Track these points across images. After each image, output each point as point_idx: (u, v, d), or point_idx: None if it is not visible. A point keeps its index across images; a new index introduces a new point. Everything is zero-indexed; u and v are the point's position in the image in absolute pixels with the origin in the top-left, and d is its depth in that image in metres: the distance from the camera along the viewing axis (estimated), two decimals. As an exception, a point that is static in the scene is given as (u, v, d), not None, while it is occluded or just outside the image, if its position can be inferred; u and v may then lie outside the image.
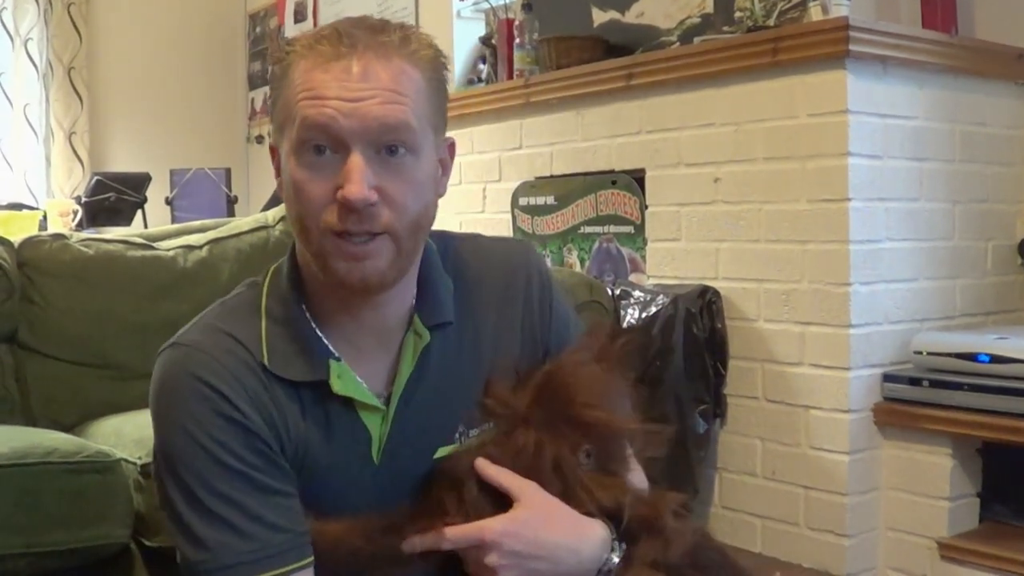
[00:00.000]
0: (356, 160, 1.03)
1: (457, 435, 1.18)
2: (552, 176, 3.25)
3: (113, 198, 4.38)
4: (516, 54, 3.41)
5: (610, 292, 2.68)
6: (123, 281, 2.11)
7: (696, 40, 2.89)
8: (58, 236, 2.14)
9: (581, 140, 3.13)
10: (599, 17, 3.49)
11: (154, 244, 2.22)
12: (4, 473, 1.51)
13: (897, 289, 2.52)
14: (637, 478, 1.25)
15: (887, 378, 2.46)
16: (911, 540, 2.43)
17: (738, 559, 1.27)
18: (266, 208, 3.43)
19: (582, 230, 3.16)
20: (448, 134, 1.18)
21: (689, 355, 2.62)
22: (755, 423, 2.64)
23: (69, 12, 5.41)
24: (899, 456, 2.46)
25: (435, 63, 1.11)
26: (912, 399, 2.42)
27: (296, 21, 5.57)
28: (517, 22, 3.47)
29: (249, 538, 1.05)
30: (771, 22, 2.74)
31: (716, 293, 2.68)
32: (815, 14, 2.52)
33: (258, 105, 6.01)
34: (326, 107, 1.03)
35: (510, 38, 3.50)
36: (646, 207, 2.92)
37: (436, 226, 1.18)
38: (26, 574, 1.53)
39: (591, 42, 3.33)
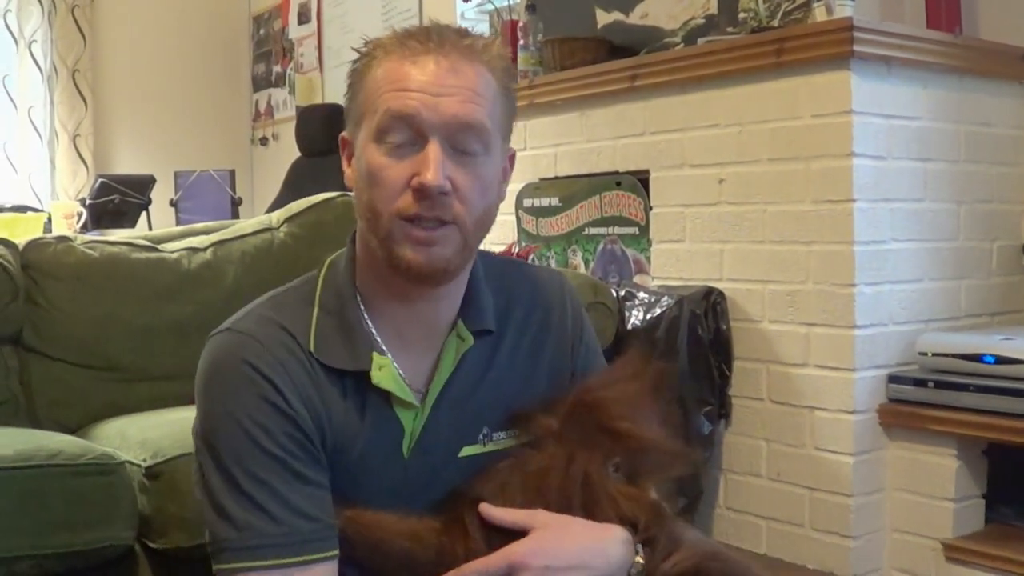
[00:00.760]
0: (434, 149, 1.08)
1: (481, 436, 1.21)
2: (556, 177, 3.25)
3: (117, 200, 4.39)
4: (520, 55, 3.41)
5: (615, 293, 2.68)
6: (127, 283, 2.11)
7: (700, 41, 2.88)
8: (62, 238, 2.14)
9: (585, 141, 3.13)
10: (603, 18, 3.49)
11: (158, 246, 2.23)
12: (9, 475, 1.51)
13: (902, 290, 2.51)
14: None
15: (892, 379, 2.46)
16: (916, 541, 2.43)
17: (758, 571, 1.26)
18: (271, 210, 3.43)
19: (586, 231, 3.16)
20: None
21: (694, 356, 2.62)
22: (760, 424, 2.64)
23: (73, 14, 5.42)
24: (904, 457, 2.45)
25: (509, 73, 1.18)
26: (917, 400, 2.41)
27: (300, 23, 5.58)
28: (521, 23, 3.47)
29: (277, 522, 1.07)
30: (775, 23, 2.74)
31: (721, 294, 2.68)
32: (819, 15, 2.52)
33: (262, 107, 6.02)
34: (411, 98, 1.08)
35: (514, 39, 3.49)
36: (650, 208, 2.92)
37: None
38: (31, 576, 1.54)
39: (595, 43, 3.32)
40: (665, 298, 2.66)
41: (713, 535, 2.73)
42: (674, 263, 2.86)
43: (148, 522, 1.66)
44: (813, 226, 2.48)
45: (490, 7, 3.94)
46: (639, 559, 1.14)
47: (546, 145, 3.26)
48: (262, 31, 6.00)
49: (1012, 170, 2.76)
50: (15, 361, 2.02)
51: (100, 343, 2.06)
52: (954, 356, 2.38)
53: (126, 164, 5.57)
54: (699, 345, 2.62)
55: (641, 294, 2.72)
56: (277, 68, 5.85)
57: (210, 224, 2.43)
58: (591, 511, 1.14)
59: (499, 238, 3.35)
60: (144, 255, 2.17)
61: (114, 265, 2.12)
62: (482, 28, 4.04)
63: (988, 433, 2.29)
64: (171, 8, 5.75)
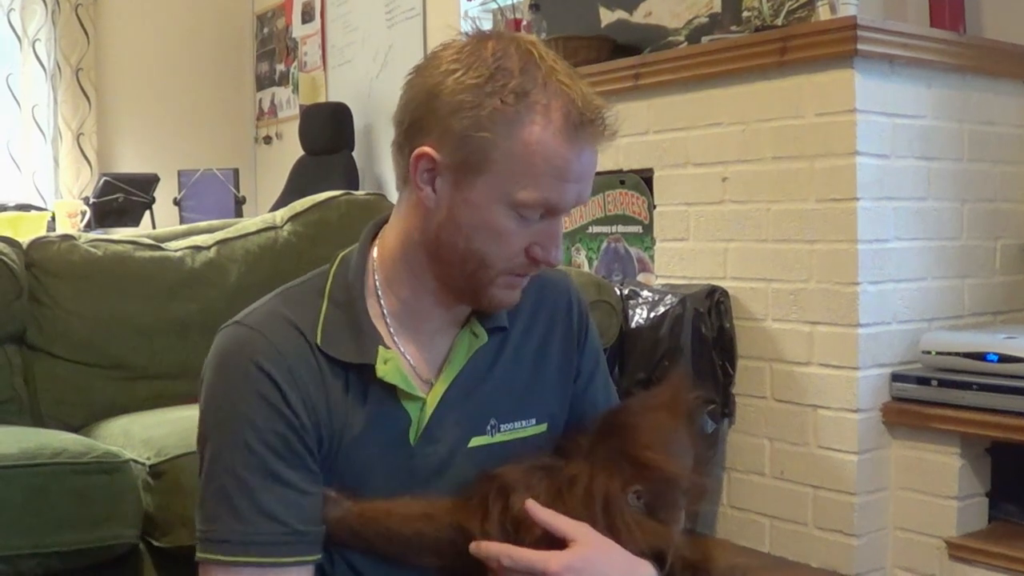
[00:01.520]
0: (560, 227, 1.16)
1: (489, 427, 1.23)
2: (559, 176, 3.24)
3: (121, 199, 4.40)
4: (523, 54, 3.41)
5: (618, 292, 2.68)
6: (131, 282, 2.11)
7: (704, 40, 2.88)
8: (66, 237, 2.14)
9: (588, 140, 3.12)
10: (607, 17, 3.49)
11: (162, 245, 2.23)
12: (13, 474, 1.51)
13: (906, 288, 2.51)
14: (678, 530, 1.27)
15: (896, 377, 2.46)
16: (920, 540, 2.42)
17: None
18: (274, 208, 3.43)
19: (590, 230, 3.16)
20: None
21: (697, 355, 2.62)
22: (763, 423, 2.64)
23: (77, 13, 5.42)
24: (908, 456, 2.45)
25: None
26: (921, 399, 2.41)
27: (304, 21, 5.58)
28: (525, 22, 3.47)
29: (242, 520, 1.07)
30: (779, 21, 2.74)
31: (724, 293, 2.68)
32: (823, 13, 2.52)
33: (266, 106, 6.02)
34: (568, 192, 1.12)
35: (517, 38, 3.49)
36: (654, 207, 2.92)
37: None
38: (35, 575, 1.54)
39: (599, 42, 3.32)
40: (669, 297, 2.65)
41: (716, 534, 2.73)
42: (678, 262, 2.86)
43: (152, 520, 1.66)
44: (817, 225, 2.48)
45: (494, 5, 3.94)
46: None
47: (549, 144, 3.25)
48: (266, 29, 6.00)
49: (1016, 169, 2.75)
50: (19, 359, 2.02)
51: (104, 341, 2.06)
52: (957, 355, 2.38)
53: (130, 163, 5.58)
54: (703, 344, 2.62)
55: (645, 293, 2.72)
56: (281, 67, 5.85)
57: (214, 223, 2.43)
58: (611, 535, 1.14)
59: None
60: (148, 254, 2.17)
61: (118, 264, 2.11)
62: (485, 26, 4.04)
63: (992, 431, 2.29)
64: (174, 7, 5.76)
